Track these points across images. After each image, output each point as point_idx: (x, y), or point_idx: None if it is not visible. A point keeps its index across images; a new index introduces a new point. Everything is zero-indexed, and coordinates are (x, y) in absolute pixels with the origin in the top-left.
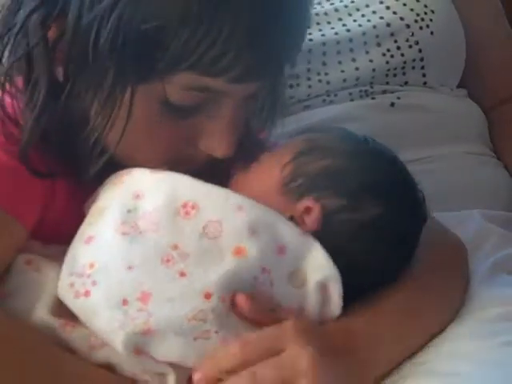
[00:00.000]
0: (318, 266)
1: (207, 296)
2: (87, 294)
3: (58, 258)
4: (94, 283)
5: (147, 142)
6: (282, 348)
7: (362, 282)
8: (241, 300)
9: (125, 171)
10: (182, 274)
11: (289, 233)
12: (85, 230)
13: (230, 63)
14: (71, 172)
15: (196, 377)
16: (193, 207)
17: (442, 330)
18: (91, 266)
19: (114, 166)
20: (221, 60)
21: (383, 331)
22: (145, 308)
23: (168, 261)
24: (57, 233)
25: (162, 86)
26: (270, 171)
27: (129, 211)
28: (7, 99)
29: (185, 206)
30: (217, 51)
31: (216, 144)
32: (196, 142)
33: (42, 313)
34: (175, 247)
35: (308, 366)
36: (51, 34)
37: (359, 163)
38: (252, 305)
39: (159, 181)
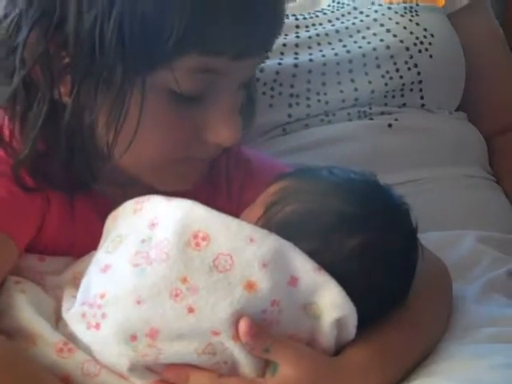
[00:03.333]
0: (335, 303)
1: (215, 333)
2: (97, 326)
3: (53, 274)
4: (104, 316)
5: (155, 139)
6: None
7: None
8: (243, 325)
9: (145, 198)
10: (190, 310)
11: (304, 267)
12: (102, 257)
13: (232, 39)
14: (68, 187)
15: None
16: (203, 238)
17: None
18: (102, 296)
19: (111, 180)
20: (224, 36)
21: (379, 358)
22: (153, 344)
23: (176, 295)
24: (51, 248)
25: (170, 72)
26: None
27: (143, 241)
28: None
29: (196, 236)
30: (219, 28)
31: (222, 129)
32: (201, 136)
33: (43, 329)
34: (184, 280)
35: None
36: (51, 46)
37: (321, 202)
38: (251, 330)
39: (172, 208)
